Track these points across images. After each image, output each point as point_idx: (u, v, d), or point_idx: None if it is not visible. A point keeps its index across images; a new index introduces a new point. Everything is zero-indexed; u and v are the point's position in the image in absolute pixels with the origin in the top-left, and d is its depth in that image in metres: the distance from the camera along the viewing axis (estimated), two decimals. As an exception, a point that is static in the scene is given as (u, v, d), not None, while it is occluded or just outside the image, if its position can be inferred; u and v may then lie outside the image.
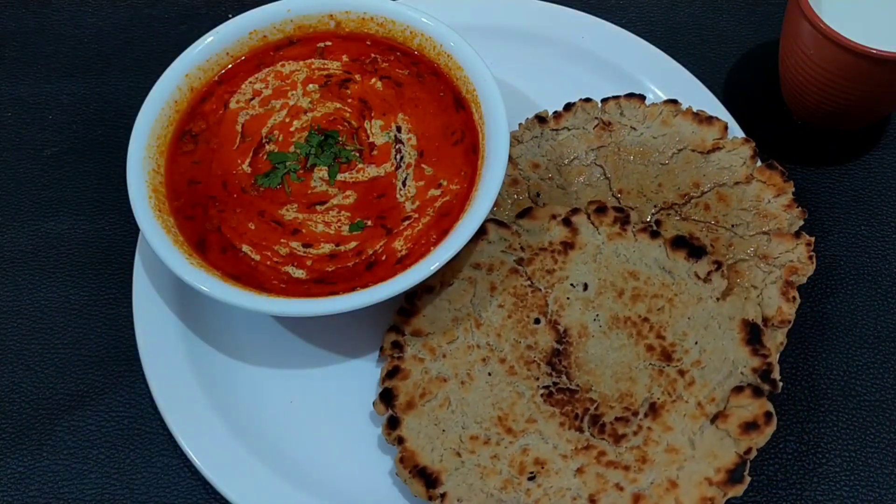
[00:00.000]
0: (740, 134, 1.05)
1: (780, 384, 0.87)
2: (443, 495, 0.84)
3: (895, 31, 0.98)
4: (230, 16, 1.12)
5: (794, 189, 0.99)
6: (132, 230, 1.07)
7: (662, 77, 1.13)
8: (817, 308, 1.01)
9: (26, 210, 1.12)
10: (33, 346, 1.02)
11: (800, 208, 0.98)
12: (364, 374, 0.96)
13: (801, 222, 0.97)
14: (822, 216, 0.96)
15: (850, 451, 0.93)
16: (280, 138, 1.00)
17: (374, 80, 1.04)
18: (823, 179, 1.10)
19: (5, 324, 1.03)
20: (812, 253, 0.94)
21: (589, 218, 0.96)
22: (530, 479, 0.85)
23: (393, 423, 0.88)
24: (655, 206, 1.00)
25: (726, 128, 1.04)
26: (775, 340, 0.91)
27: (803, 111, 1.09)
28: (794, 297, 0.92)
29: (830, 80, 1.00)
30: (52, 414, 0.97)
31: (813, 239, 0.95)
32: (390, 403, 0.89)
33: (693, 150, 1.03)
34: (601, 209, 0.97)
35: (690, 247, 0.93)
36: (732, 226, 0.98)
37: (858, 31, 0.95)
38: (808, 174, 1.00)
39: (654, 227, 0.95)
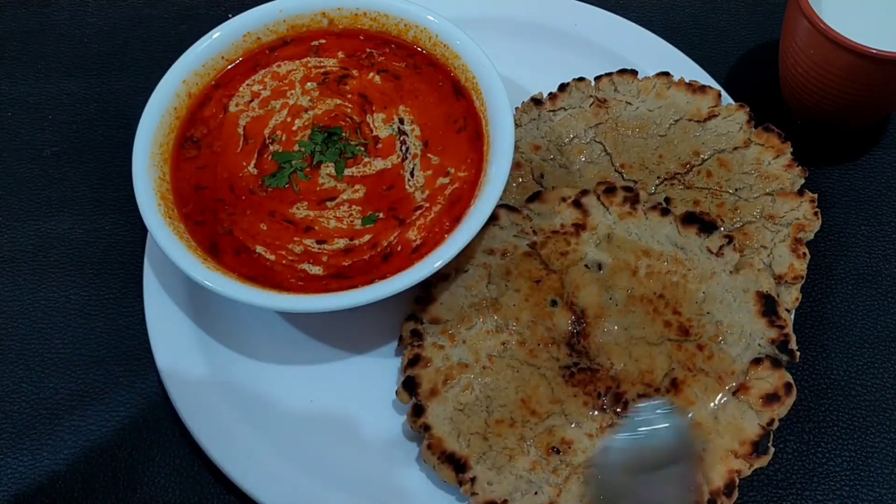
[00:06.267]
0: (733, 103, 1.06)
1: (798, 354, 0.88)
2: (472, 479, 0.85)
3: (895, 31, 0.98)
4: (230, 15, 1.12)
5: (791, 149, 1.01)
6: (133, 230, 1.07)
7: (657, 59, 1.13)
8: (817, 308, 1.01)
9: (26, 210, 1.12)
10: (33, 346, 1.02)
11: (800, 167, 1.00)
12: (383, 365, 0.97)
13: (803, 180, 1.00)
14: (822, 216, 0.97)
15: (850, 451, 0.94)
16: (283, 138, 1.00)
17: (371, 74, 1.04)
18: (823, 179, 1.10)
19: (5, 324, 1.03)
20: (817, 209, 0.97)
21: (598, 199, 0.97)
22: (558, 458, 0.85)
23: (418, 411, 0.89)
24: (658, 178, 1.01)
25: (720, 95, 1.05)
26: (790, 296, 0.94)
27: (803, 111, 1.09)
28: (804, 253, 0.95)
29: (830, 80, 1.00)
30: (53, 414, 0.97)
31: (816, 196, 0.97)
32: (414, 392, 0.90)
33: (689, 120, 1.04)
34: (610, 189, 0.97)
35: (701, 222, 0.94)
36: (736, 190, 1.00)
37: (858, 31, 0.95)
38: (808, 174, 1.00)
39: (665, 205, 0.96)
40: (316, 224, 0.94)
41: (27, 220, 1.11)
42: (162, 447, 0.95)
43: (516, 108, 1.08)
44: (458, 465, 0.86)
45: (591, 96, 1.07)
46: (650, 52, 1.14)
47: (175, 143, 1.00)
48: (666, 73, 1.07)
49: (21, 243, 1.09)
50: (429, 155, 0.98)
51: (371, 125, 1.00)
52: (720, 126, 1.03)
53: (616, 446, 0.84)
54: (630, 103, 1.06)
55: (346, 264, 0.92)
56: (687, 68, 1.11)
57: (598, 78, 1.08)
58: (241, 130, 1.01)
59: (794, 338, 0.89)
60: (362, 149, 0.99)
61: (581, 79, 1.09)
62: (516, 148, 1.00)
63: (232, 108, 1.02)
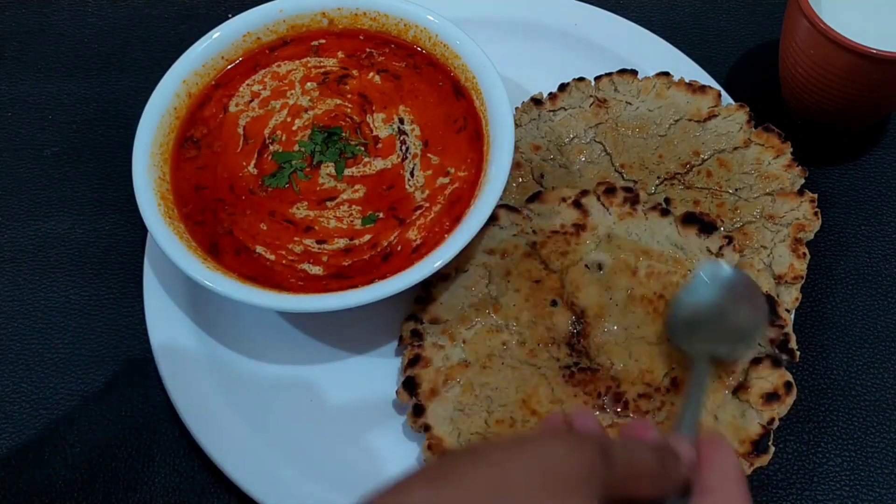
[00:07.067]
0: (733, 103, 1.06)
1: (798, 353, 0.88)
2: (472, 479, 0.85)
3: (895, 31, 0.98)
4: (230, 15, 1.12)
5: (791, 149, 1.01)
6: (133, 230, 1.07)
7: (657, 59, 1.13)
8: (817, 308, 1.01)
9: (26, 210, 1.12)
10: (33, 346, 1.02)
11: (800, 167, 1.00)
12: (383, 365, 0.96)
13: (803, 180, 1.00)
14: (822, 216, 0.97)
15: (850, 451, 0.93)
16: (283, 138, 1.00)
17: (371, 74, 1.04)
18: (823, 179, 1.10)
19: (5, 324, 1.03)
20: (817, 209, 0.97)
21: (599, 199, 0.97)
22: None
23: (418, 411, 0.89)
24: (658, 178, 1.01)
25: (720, 95, 1.06)
26: (790, 296, 0.94)
27: (803, 111, 1.09)
28: (804, 253, 0.95)
29: (830, 80, 1.00)
30: (53, 414, 0.97)
31: (816, 196, 0.97)
32: (413, 392, 0.90)
33: (690, 120, 1.04)
34: (610, 190, 0.97)
35: (701, 223, 0.94)
36: (736, 190, 1.00)
37: (858, 31, 0.95)
38: (808, 174, 1.01)
39: (665, 206, 0.96)
40: (316, 224, 0.94)
41: (27, 220, 1.11)
42: (162, 447, 0.95)
43: (516, 108, 1.08)
44: (458, 465, 0.86)
45: (591, 96, 1.07)
46: (650, 52, 1.14)
47: (175, 143, 0.99)
48: (666, 73, 1.07)
49: (21, 243, 1.09)
50: (429, 155, 0.98)
51: (371, 125, 1.00)
52: (720, 126, 1.03)
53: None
54: (630, 103, 1.06)
55: (346, 264, 0.91)
56: (687, 68, 1.11)
57: (598, 78, 1.08)
58: (241, 130, 1.01)
59: (794, 337, 0.89)
60: (362, 149, 0.99)
61: (581, 79, 1.09)
62: (516, 148, 1.00)
63: (232, 108, 1.02)
